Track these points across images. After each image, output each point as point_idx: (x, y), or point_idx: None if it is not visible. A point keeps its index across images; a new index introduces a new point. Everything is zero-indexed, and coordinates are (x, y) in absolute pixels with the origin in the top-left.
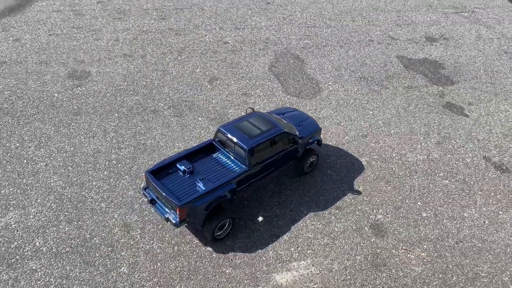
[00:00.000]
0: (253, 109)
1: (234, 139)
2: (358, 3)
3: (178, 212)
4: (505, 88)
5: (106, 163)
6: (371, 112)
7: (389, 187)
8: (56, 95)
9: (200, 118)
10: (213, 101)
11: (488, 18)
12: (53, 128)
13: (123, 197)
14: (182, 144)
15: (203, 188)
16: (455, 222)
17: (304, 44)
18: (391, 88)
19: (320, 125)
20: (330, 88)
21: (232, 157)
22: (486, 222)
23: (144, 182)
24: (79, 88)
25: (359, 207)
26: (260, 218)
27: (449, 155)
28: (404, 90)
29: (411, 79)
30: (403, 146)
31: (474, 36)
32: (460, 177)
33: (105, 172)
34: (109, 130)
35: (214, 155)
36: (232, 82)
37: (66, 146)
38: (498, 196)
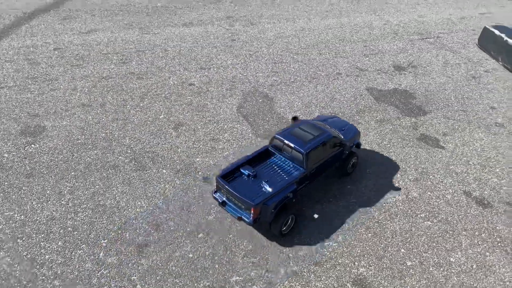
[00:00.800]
0: (297, 117)
1: (291, 144)
2: (324, 35)
3: (252, 211)
4: (477, 115)
5: (61, 231)
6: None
7: (369, 234)
8: (6, 155)
9: (164, 171)
10: (179, 149)
11: (453, 43)
12: (1, 194)
13: (80, 271)
14: (145, 202)
15: (270, 190)
16: (441, 269)
17: (272, 81)
18: (363, 123)
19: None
20: None
21: (289, 161)
22: (474, 267)
23: (215, 186)
24: (32, 145)
25: (340, 261)
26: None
27: (429, 193)
28: (377, 124)
29: (382, 112)
30: (381, 186)
31: (441, 62)
32: (442, 216)
33: (59, 243)
34: (65, 192)
35: (270, 160)
36: (199, 127)
37: (16, 215)
38: (483, 235)
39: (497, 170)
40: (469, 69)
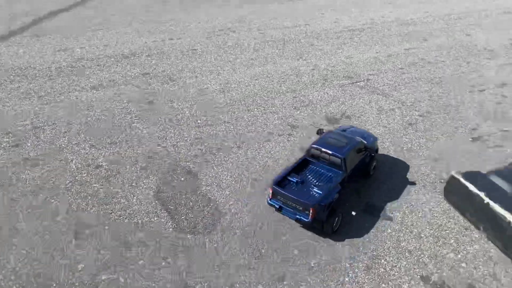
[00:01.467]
0: (322, 129)
1: (329, 151)
2: (251, 88)
3: (311, 211)
4: (420, 171)
5: None
6: (284, 238)
7: None
8: None
9: None
10: (79, 266)
11: (384, 85)
12: None
13: None
14: None
15: (320, 192)
16: None
17: (196, 151)
18: None
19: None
20: (233, 211)
21: (328, 167)
22: None
23: (270, 194)
24: None
25: None
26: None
27: (383, 285)
28: None
29: None
30: (328, 283)
31: (375, 110)
32: None
33: None
34: None
35: (310, 168)
36: (106, 229)
37: None
38: None
39: (452, 241)
40: (404, 114)
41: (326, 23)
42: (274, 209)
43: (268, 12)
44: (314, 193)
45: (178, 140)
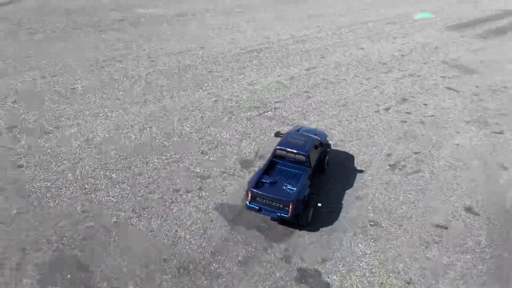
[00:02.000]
0: (280, 131)
1: (295, 151)
2: (146, 133)
3: (291, 207)
4: (358, 225)
5: None
6: None
7: None
8: None
9: None
10: None
11: (292, 112)
12: None
13: None
14: None
15: (295, 189)
16: None
17: (85, 232)
18: (223, 272)
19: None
20: None
21: (294, 164)
22: None
23: (249, 198)
24: None
25: None
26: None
27: None
28: (240, 269)
29: (244, 245)
30: None
31: None
32: None
33: None
34: None
35: (277, 168)
36: None
37: None
38: None
39: None
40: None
41: (221, 45)
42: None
43: (156, 35)
44: (289, 191)
45: (59, 218)
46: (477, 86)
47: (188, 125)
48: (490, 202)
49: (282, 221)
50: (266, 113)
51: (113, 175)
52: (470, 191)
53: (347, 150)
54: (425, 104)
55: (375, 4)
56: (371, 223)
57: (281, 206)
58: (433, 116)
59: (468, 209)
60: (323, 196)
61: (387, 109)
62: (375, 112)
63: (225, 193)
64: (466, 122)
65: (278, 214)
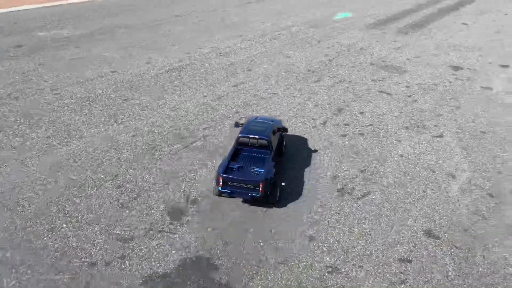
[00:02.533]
0: (239, 122)
1: (256, 136)
2: (52, 185)
3: (261, 186)
4: (314, 275)
5: None
6: None
7: None
8: None
9: None
10: None
11: (224, 139)
12: None
13: None
14: None
15: (262, 170)
16: None
17: None
18: None
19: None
20: None
21: (258, 149)
22: None
23: (221, 184)
24: None
25: None
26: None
27: None
28: None
29: None
30: None
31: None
32: None
33: None
34: None
35: (242, 154)
36: None
37: None
38: None
39: None
40: None
41: (137, 65)
42: None
43: (61, 61)
44: (257, 172)
45: None
46: (407, 86)
47: (102, 171)
48: (447, 220)
49: (253, 202)
50: (194, 144)
51: (7, 255)
52: (425, 210)
53: (291, 180)
54: (362, 113)
55: (294, 8)
56: (329, 270)
57: (251, 186)
58: (371, 125)
59: (428, 233)
60: (272, 236)
61: (324, 122)
62: (313, 127)
63: (154, 259)
64: (405, 128)
65: (249, 194)
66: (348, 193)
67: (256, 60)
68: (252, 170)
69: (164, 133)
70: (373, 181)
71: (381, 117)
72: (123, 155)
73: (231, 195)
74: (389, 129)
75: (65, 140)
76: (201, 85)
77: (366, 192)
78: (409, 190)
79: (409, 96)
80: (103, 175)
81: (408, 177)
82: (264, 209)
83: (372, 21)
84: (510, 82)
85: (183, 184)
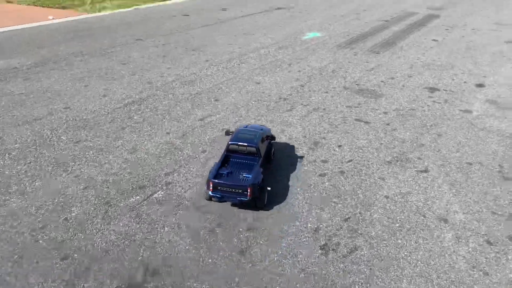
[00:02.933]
0: (230, 130)
1: (245, 144)
2: None
3: (249, 190)
4: None
5: None
6: None
7: None
8: None
9: None
10: None
11: (189, 187)
12: None
13: None
14: None
15: (250, 176)
16: None
17: None
18: None
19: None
20: None
21: (246, 156)
22: None
23: (211, 188)
24: None
25: None
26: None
27: None
28: None
29: None
30: None
31: (191, 246)
32: None
33: None
34: None
35: (232, 160)
36: None
37: None
38: None
39: None
40: (230, 235)
41: (92, 99)
42: None
43: (6, 96)
44: (246, 177)
45: None
46: (385, 112)
47: (44, 237)
48: (446, 278)
49: (242, 205)
50: (155, 195)
51: None
52: (419, 266)
53: (266, 235)
54: (340, 146)
55: (261, 28)
56: None
57: (240, 191)
58: (351, 161)
59: None
60: None
61: (300, 159)
62: (291, 165)
63: None
64: (388, 162)
65: (238, 198)
66: (333, 249)
67: (223, 88)
68: (240, 176)
69: (121, 182)
70: (359, 232)
71: (360, 150)
72: (72, 214)
73: (221, 200)
74: (371, 165)
75: (3, 197)
76: (163, 120)
77: (353, 248)
78: (399, 241)
79: (388, 124)
80: (46, 243)
81: (397, 225)
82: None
83: (342, 40)
84: (488, 103)
85: (141, 249)
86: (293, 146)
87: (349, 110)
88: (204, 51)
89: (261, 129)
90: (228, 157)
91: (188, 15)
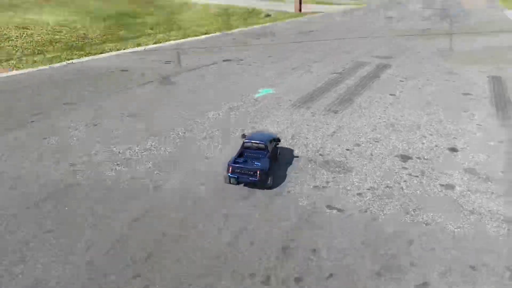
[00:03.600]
0: (245, 134)
1: (257, 141)
2: None
3: (258, 172)
4: None
5: None
6: None
7: None
8: None
9: None
10: None
11: None
12: None
13: None
14: None
15: (259, 163)
16: None
17: None
18: None
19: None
20: None
21: (257, 151)
22: None
23: (230, 171)
24: None
25: None
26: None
27: None
28: None
29: None
30: None
31: None
32: None
33: None
34: None
35: (246, 154)
36: None
37: None
38: None
39: None
40: None
41: None
42: None
43: None
44: (256, 164)
45: None
46: (359, 194)
47: None
48: None
49: (252, 185)
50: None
51: None
52: None
53: None
54: (314, 250)
55: (209, 85)
56: None
57: (251, 173)
58: (331, 276)
59: None
60: None
61: (267, 279)
62: (252, 285)
63: None
64: (377, 275)
65: (250, 179)
66: None
67: (165, 168)
68: (253, 162)
69: None
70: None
71: (340, 254)
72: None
73: (237, 180)
74: (357, 282)
75: None
76: (84, 225)
77: None
78: None
79: (365, 212)
80: None
81: None
82: None
83: (297, 98)
84: (468, 173)
85: None
86: (256, 258)
87: (318, 193)
88: (142, 119)
89: (270, 134)
90: (243, 152)
91: (127, 70)
